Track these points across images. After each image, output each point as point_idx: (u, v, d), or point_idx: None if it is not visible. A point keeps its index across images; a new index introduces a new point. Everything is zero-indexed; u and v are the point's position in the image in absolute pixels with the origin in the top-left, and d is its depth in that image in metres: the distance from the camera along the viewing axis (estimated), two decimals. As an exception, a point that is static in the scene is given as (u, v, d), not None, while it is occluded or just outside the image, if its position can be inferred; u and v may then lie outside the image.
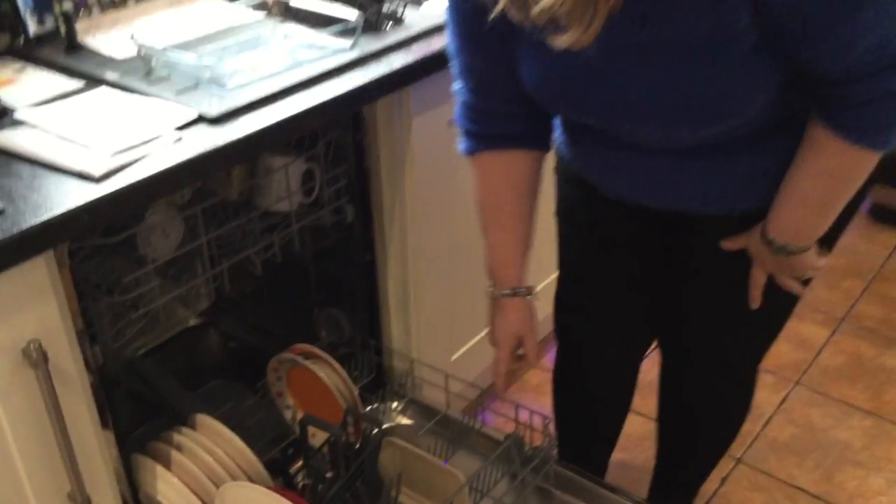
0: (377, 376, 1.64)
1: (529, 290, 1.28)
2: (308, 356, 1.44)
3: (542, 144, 1.23)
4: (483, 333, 1.85)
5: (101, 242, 1.11)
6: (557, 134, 1.27)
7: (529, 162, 1.22)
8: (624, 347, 1.48)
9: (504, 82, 1.11)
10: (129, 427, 1.62)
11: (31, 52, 1.36)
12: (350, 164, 1.42)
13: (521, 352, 1.32)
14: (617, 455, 1.67)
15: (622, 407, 1.60)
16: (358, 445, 1.31)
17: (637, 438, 1.85)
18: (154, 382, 1.66)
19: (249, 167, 1.39)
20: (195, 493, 1.23)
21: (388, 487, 1.34)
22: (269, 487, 1.14)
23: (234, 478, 1.26)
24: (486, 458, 1.41)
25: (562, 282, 1.45)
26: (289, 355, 1.43)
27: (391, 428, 1.55)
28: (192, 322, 1.82)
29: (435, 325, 1.68)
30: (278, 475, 1.28)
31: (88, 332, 1.13)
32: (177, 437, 1.29)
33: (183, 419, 1.33)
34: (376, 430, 1.35)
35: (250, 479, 1.28)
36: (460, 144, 1.22)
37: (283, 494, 1.10)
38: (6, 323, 0.97)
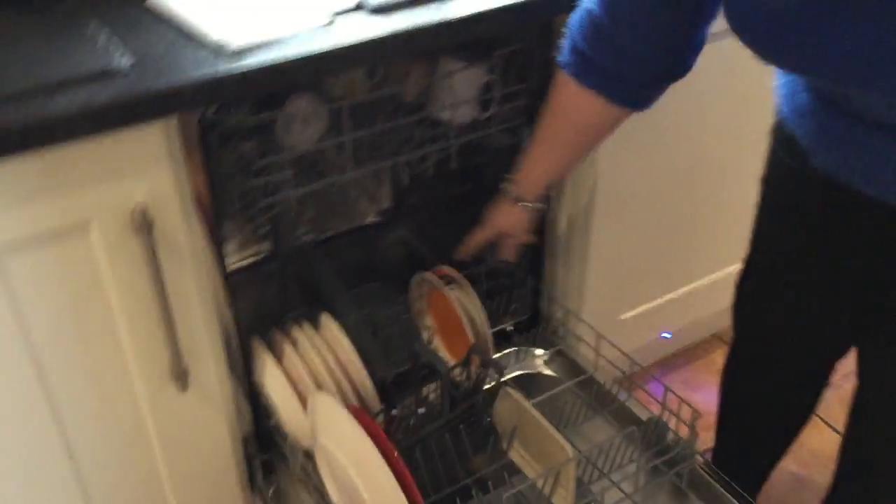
0: (533, 316, 1.52)
1: (535, 205, 1.24)
2: (451, 281, 1.34)
3: (635, 103, 1.07)
4: (660, 300, 1.68)
5: (240, 121, 1.07)
6: (779, 85, 1.07)
7: (610, 115, 1.08)
8: (812, 348, 1.26)
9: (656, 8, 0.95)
10: (298, 305, 1.64)
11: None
12: (533, 82, 1.27)
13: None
14: (793, 468, 1.44)
15: (799, 414, 1.38)
16: (472, 387, 1.22)
17: (821, 455, 1.59)
18: (315, 270, 1.65)
19: (429, 68, 1.29)
20: (298, 393, 1.20)
21: (498, 439, 1.24)
22: (358, 413, 1.08)
23: (339, 388, 1.21)
24: (617, 436, 1.26)
25: (750, 260, 1.24)
26: (431, 276, 1.34)
27: (527, 376, 1.44)
28: (372, 219, 1.80)
29: (606, 278, 1.51)
30: (384, 398, 1.22)
31: (217, 209, 1.11)
32: (297, 333, 1.27)
33: (313, 316, 1.30)
34: (497, 377, 1.24)
35: (357, 394, 1.23)
36: (562, 49, 1.07)
37: (368, 425, 1.03)
38: (115, 184, 0.96)
